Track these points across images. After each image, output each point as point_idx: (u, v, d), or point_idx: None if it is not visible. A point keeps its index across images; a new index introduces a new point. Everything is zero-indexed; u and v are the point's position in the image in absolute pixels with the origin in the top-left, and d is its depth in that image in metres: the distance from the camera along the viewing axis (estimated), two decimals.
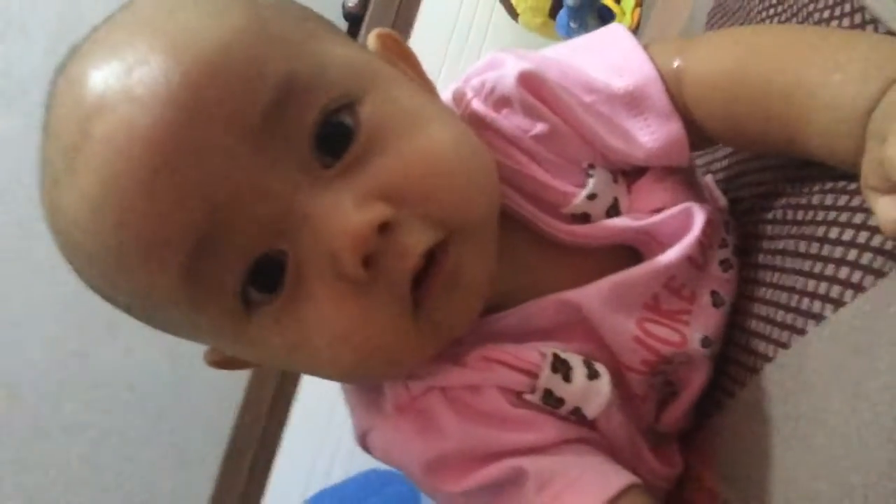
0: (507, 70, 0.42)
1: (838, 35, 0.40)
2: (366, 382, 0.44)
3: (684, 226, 0.42)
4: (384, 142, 0.36)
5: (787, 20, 0.48)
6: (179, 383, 1.65)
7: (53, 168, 0.35)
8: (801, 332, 0.35)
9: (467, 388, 0.40)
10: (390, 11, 1.48)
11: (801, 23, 0.46)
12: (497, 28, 1.44)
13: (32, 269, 1.63)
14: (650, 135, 0.42)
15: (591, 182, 0.42)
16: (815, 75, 0.37)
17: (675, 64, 0.43)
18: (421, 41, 1.45)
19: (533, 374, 0.40)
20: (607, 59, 0.44)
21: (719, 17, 0.62)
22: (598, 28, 0.49)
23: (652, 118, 0.42)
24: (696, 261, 0.43)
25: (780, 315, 0.38)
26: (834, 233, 0.36)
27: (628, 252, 0.44)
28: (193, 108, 0.32)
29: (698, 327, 0.43)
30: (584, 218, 0.43)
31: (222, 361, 0.44)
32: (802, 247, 0.38)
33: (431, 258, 0.36)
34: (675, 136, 0.42)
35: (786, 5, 0.49)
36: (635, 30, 0.98)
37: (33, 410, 1.65)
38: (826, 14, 0.43)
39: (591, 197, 0.42)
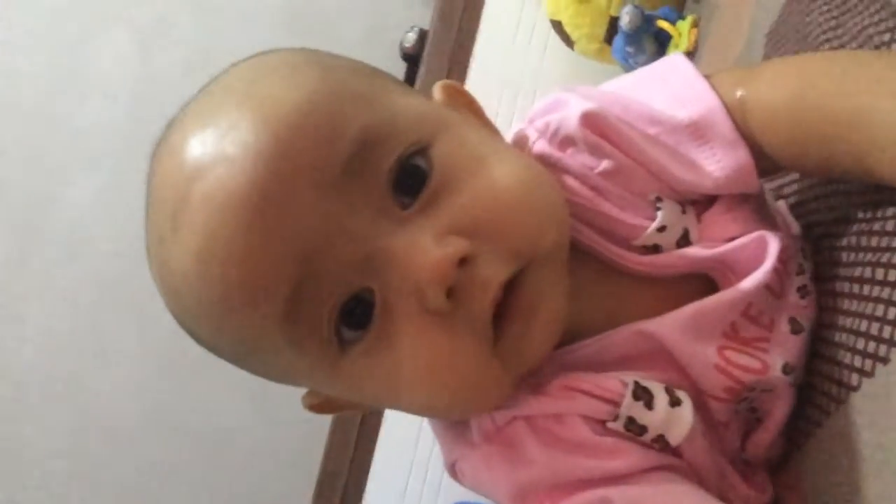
0: (570, 111, 0.44)
1: None
2: (452, 417, 0.45)
3: (759, 254, 0.43)
4: (456, 181, 0.39)
5: (846, 44, 0.48)
6: (266, 428, 1.70)
7: (159, 229, 0.39)
8: (885, 360, 0.36)
9: (551, 417, 0.41)
10: (446, 48, 1.51)
11: (860, 46, 0.46)
12: (553, 56, 1.45)
13: (123, 325, 1.72)
14: (717, 163, 0.43)
15: (660, 214, 0.43)
16: (879, 100, 0.37)
17: (738, 94, 0.43)
18: (478, 72, 1.48)
19: (615, 403, 0.41)
20: (669, 90, 0.45)
21: (777, 41, 0.62)
22: (654, 51, 0.50)
23: (718, 147, 0.43)
24: (773, 288, 0.43)
25: (861, 343, 0.38)
26: None
27: (701, 281, 0.44)
28: (281, 164, 0.36)
29: (779, 354, 0.43)
30: (655, 249, 0.44)
31: (319, 405, 0.46)
32: (880, 274, 0.38)
33: (509, 290, 0.38)
34: (743, 163, 0.43)
35: (844, 28, 0.49)
36: (692, 52, 0.98)
37: (128, 454, 1.72)
38: (886, 37, 0.44)
39: (661, 229, 0.43)
